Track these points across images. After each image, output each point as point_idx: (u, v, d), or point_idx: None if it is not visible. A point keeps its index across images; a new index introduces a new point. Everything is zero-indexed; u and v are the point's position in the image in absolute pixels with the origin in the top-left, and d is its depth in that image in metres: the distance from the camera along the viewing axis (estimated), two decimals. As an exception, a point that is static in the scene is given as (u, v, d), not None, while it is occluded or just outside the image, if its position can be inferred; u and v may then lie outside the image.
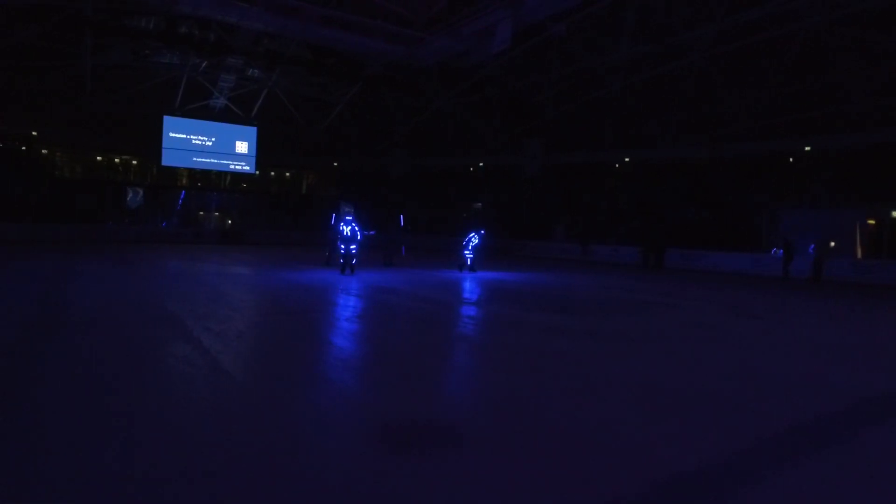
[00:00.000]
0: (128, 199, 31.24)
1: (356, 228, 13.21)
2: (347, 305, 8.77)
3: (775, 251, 17.24)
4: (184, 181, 35.07)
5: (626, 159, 32.44)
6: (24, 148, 29.95)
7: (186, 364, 4.61)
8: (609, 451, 3.03)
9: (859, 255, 22.77)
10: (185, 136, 32.94)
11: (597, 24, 24.65)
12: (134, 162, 33.66)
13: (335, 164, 39.15)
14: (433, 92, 32.07)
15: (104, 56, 27.19)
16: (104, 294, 8.82)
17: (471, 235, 15.46)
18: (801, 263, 17.46)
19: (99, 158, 32.45)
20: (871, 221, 23.17)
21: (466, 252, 15.42)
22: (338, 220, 16.40)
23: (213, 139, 33.82)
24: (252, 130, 35.06)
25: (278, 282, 11.93)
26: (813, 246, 16.95)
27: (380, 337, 6.53)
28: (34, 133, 30.05)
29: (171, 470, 2.61)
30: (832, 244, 17.19)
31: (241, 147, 34.83)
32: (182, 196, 34.46)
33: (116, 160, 33.24)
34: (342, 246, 13.00)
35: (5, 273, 11.67)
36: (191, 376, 4.27)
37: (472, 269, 15.32)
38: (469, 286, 12.16)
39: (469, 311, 8.85)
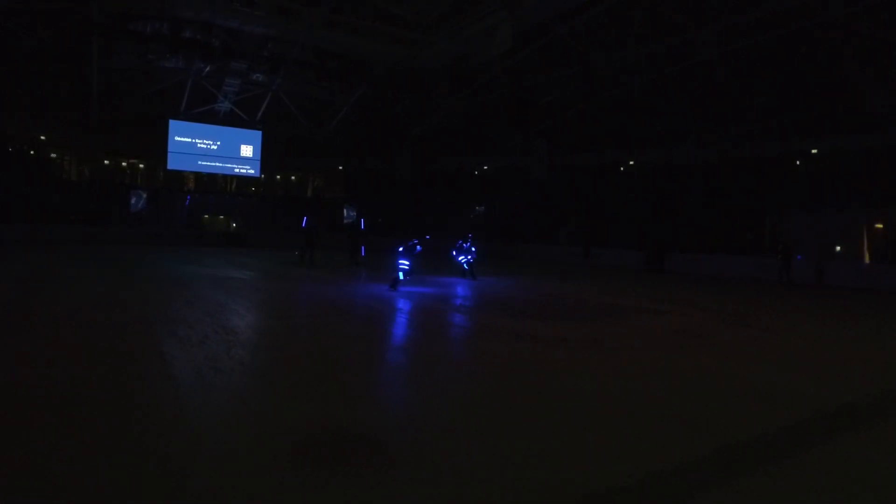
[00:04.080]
0: (132, 202, 31.57)
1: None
2: (310, 304, 8.69)
3: (778, 258, 16.84)
4: (190, 184, 35.37)
5: (631, 162, 32.14)
6: (32, 151, 30.38)
7: (128, 370, 4.53)
8: (531, 466, 2.88)
9: (867, 259, 22.27)
10: (190, 139, 33.24)
11: (603, 25, 24.42)
12: (141, 165, 34.02)
13: (340, 167, 39.25)
14: (439, 94, 32.01)
15: (111, 61, 27.51)
16: (77, 294, 8.83)
17: (460, 241, 14.65)
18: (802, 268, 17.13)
19: (106, 162, 32.83)
20: (880, 225, 22.65)
21: (461, 259, 14.49)
22: (309, 222, 16.87)
23: (219, 143, 34.10)
24: (257, 134, 35.29)
25: (254, 284, 11.89)
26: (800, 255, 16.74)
27: (322, 346, 6.41)
28: (42, 137, 30.49)
29: None
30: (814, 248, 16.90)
31: (246, 151, 35.07)
32: (188, 199, 34.71)
33: (123, 163, 33.62)
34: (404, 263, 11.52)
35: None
36: (125, 390, 4.18)
37: (472, 276, 14.34)
38: (463, 292, 12.02)
39: (446, 316, 8.72)
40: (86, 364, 4.70)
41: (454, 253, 14.70)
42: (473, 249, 14.53)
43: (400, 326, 7.63)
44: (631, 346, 6.45)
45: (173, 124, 32.71)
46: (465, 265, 14.47)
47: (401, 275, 11.22)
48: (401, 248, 11.32)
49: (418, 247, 11.50)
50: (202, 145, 33.65)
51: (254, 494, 2.49)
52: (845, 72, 22.60)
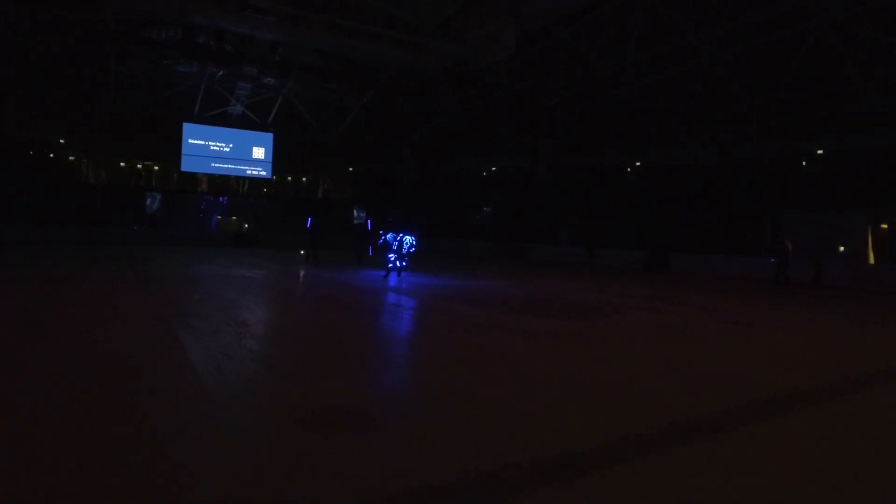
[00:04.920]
0: (147, 203, 32.42)
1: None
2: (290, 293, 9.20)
3: (774, 260, 17.06)
4: (203, 186, 36.18)
5: (638, 163, 32.40)
6: (51, 155, 31.34)
7: (149, 357, 5.06)
8: (493, 430, 3.35)
9: (871, 260, 22.41)
10: (203, 142, 34.04)
11: (605, 28, 24.83)
12: (155, 168, 34.88)
13: (350, 168, 39.92)
14: (444, 97, 32.52)
15: (126, 66, 28.39)
16: (98, 292, 9.42)
17: (392, 237, 13.89)
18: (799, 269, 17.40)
19: (122, 164, 33.73)
20: (884, 226, 22.78)
21: (391, 255, 13.77)
22: (313, 223, 17.50)
23: (231, 145, 34.86)
24: (268, 136, 36.01)
25: (262, 281, 12.44)
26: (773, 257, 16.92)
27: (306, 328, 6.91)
28: (61, 140, 31.43)
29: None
30: (790, 245, 16.93)
31: (258, 153, 35.80)
32: (204, 204, 35.58)
33: (139, 166, 34.51)
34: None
35: (32, 271, 12.44)
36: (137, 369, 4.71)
37: (392, 271, 13.97)
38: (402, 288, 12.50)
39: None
40: (108, 353, 5.24)
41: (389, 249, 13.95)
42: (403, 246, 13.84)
43: (396, 320, 8.12)
44: (613, 339, 6.89)
45: (187, 127, 33.53)
46: (397, 262, 13.89)
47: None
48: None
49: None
50: (215, 148, 34.44)
51: (261, 452, 2.99)
52: (847, 73, 22.78)
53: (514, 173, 35.63)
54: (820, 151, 25.93)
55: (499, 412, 3.81)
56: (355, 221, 35.26)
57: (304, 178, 40.07)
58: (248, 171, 35.94)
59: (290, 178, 39.36)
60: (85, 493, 2.51)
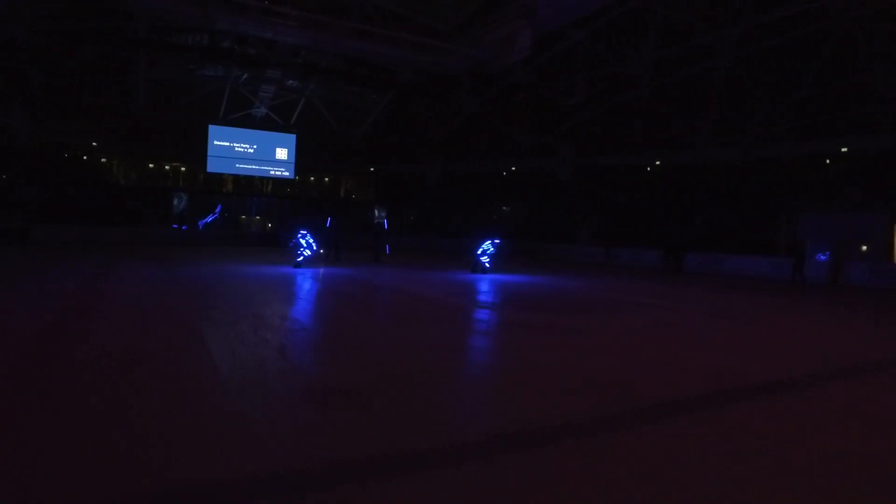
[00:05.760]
0: (174, 203, 33.48)
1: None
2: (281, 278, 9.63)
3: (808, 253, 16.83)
4: (228, 187, 37.18)
5: (658, 162, 32.28)
6: (85, 157, 32.64)
7: (174, 344, 5.52)
8: (480, 407, 3.70)
9: (896, 260, 22.01)
10: (228, 143, 35.00)
11: (621, 29, 24.88)
12: (182, 169, 36.00)
13: (372, 169, 40.56)
14: (463, 98, 32.87)
15: (155, 71, 29.44)
16: (129, 289, 10.02)
17: (485, 242, 16.36)
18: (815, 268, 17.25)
19: (151, 166, 34.91)
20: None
21: (483, 258, 16.31)
22: (333, 223, 17.99)
23: (255, 146, 35.77)
24: (291, 137, 36.83)
25: (282, 278, 12.97)
26: (825, 253, 16.72)
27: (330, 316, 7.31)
28: (94, 143, 32.70)
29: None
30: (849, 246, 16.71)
31: (281, 154, 36.65)
32: (220, 207, 36.62)
33: (167, 167, 35.67)
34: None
35: (75, 267, 13.19)
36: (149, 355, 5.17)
37: (484, 270, 16.20)
38: (480, 287, 12.86)
39: (451, 304, 9.55)
40: (139, 342, 5.73)
41: (478, 252, 16.36)
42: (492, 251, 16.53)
43: (407, 315, 8.48)
44: (608, 333, 7.15)
45: (212, 129, 34.53)
46: (485, 263, 16.29)
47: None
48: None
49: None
50: (239, 149, 35.39)
51: (270, 422, 3.39)
52: (870, 71, 22.46)
53: (534, 174, 35.81)
54: (844, 149, 25.57)
55: (484, 394, 4.15)
56: (376, 221, 35.85)
57: (326, 179, 40.85)
58: (272, 172, 36.81)
59: (312, 179, 40.17)
60: (114, 451, 2.93)
